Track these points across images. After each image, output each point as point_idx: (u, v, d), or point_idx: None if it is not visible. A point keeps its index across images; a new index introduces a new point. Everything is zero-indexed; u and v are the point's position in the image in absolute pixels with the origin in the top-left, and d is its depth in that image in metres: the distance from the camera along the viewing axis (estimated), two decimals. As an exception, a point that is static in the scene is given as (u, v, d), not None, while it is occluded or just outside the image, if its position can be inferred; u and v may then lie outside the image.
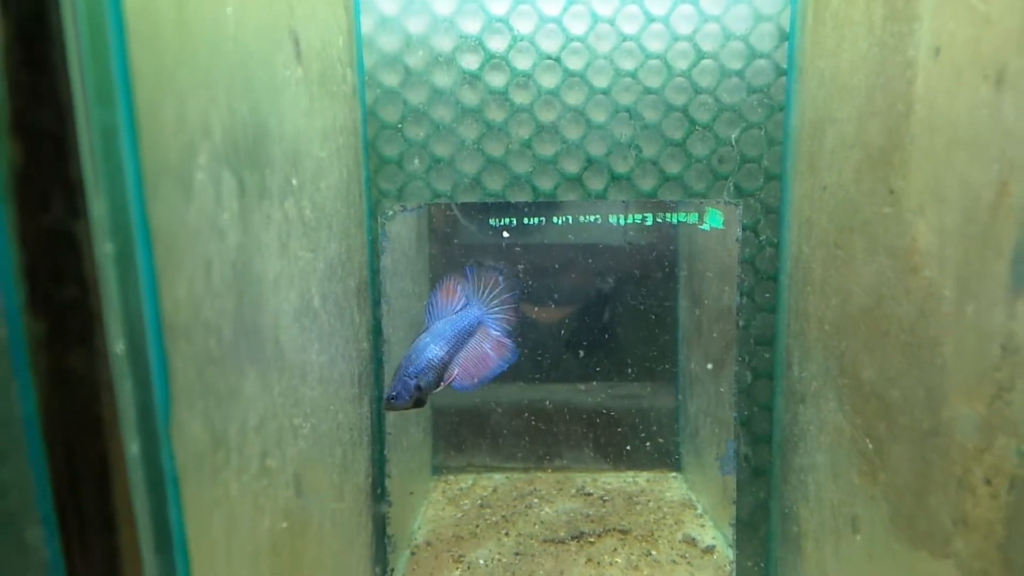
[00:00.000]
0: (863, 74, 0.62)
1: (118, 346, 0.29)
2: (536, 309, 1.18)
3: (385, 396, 0.69)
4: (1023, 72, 0.43)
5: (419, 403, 0.73)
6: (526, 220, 0.84)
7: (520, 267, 1.10)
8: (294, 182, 0.51)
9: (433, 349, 0.74)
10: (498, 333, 0.81)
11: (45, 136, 0.25)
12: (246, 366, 0.40)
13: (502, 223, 0.84)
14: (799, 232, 0.78)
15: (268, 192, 0.45)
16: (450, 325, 0.78)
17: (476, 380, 0.79)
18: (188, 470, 0.33)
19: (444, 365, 0.75)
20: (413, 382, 0.71)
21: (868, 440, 0.61)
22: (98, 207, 0.28)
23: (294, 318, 0.50)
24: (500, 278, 0.82)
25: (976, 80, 0.47)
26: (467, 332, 0.79)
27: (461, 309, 0.80)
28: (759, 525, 0.93)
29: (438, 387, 0.75)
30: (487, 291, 0.82)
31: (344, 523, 0.64)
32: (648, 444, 1.31)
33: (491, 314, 0.82)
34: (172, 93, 0.32)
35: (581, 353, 1.29)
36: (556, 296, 1.20)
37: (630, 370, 1.29)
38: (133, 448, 0.31)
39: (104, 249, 0.28)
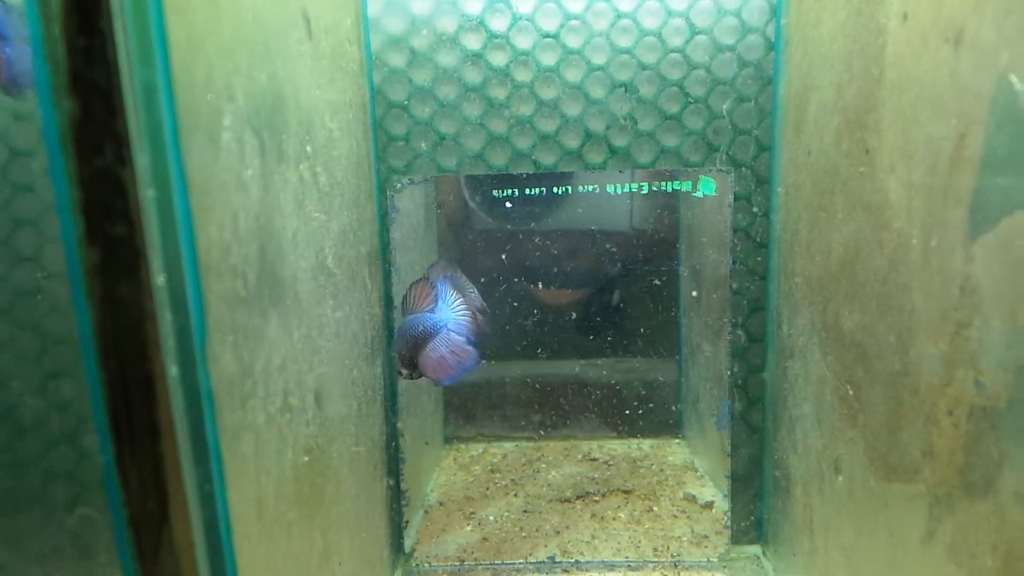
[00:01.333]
0: (841, 42, 0.65)
1: (159, 279, 0.34)
2: (541, 288, 1.22)
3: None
4: (979, 33, 0.46)
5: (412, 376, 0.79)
6: (528, 191, 0.88)
7: (505, 257, 1.14)
8: (308, 149, 0.55)
9: (398, 343, 0.78)
10: (461, 339, 0.83)
11: (98, 92, 0.30)
12: (269, 310, 0.45)
13: (504, 194, 0.88)
14: (787, 196, 0.81)
15: (285, 155, 0.49)
16: (415, 323, 0.81)
17: (432, 379, 0.81)
18: (221, 394, 0.38)
19: (409, 356, 0.79)
20: (394, 359, 0.77)
21: (848, 386, 0.65)
22: (142, 157, 0.32)
23: (311, 274, 0.55)
24: (467, 287, 0.86)
25: (938, 42, 0.50)
26: (428, 332, 0.82)
27: (429, 309, 0.83)
28: (753, 478, 0.97)
29: (406, 374, 0.79)
30: (454, 298, 0.85)
31: (361, 470, 0.69)
32: (651, 412, 1.35)
33: (456, 319, 0.84)
34: (202, 58, 0.36)
35: (589, 325, 1.33)
36: (562, 271, 1.24)
37: (635, 341, 1.34)
38: (173, 369, 0.35)
39: (147, 193, 0.33)
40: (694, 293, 1.18)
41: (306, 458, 0.50)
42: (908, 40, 0.54)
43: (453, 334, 0.83)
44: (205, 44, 0.37)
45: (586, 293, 1.28)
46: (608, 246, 1.23)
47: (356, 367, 0.68)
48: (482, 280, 1.23)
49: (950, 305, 0.49)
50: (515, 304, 1.26)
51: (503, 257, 1.19)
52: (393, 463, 0.88)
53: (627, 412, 1.36)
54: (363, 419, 0.71)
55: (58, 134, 0.30)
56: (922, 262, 0.53)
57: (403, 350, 0.79)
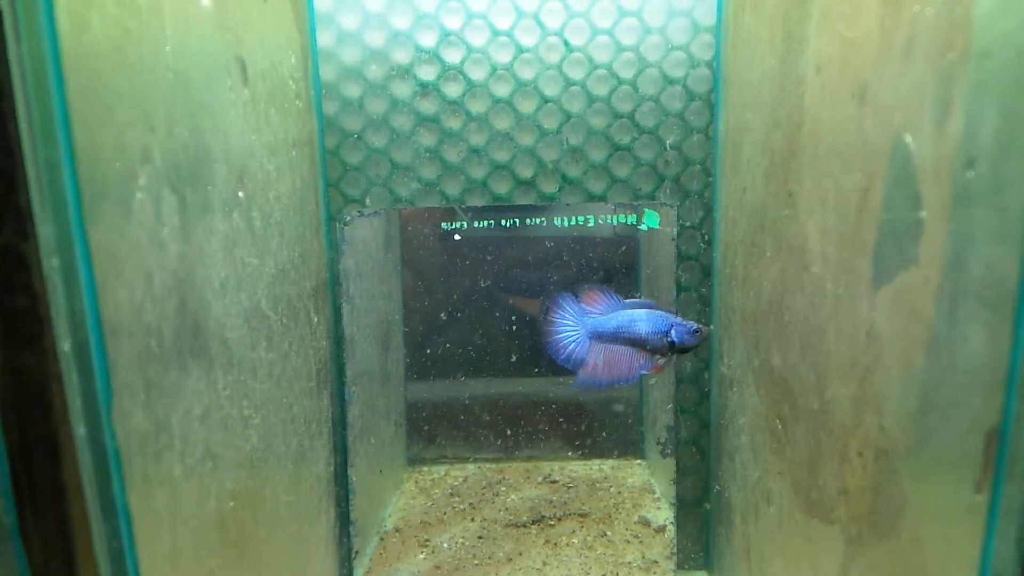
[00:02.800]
0: (769, 88, 0.67)
1: (65, 345, 0.35)
2: (512, 300, 1.24)
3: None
4: (880, 90, 0.48)
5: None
6: (476, 223, 0.89)
7: (490, 264, 1.16)
8: (240, 195, 0.56)
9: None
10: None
11: (-5, 172, 0.31)
12: (189, 363, 0.46)
13: (453, 227, 0.90)
14: (726, 231, 0.83)
15: (211, 206, 0.50)
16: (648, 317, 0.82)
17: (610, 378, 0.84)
18: (131, 451, 0.39)
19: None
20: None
21: (777, 421, 0.67)
22: (45, 229, 0.33)
23: (243, 319, 0.55)
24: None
25: (846, 97, 0.52)
26: (654, 333, 0.83)
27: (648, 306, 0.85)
28: (701, 504, 0.99)
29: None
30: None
31: (302, 506, 0.70)
32: (613, 433, 1.37)
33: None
34: (111, 127, 0.37)
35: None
36: (524, 291, 1.26)
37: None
38: (80, 430, 0.36)
39: (51, 263, 0.33)
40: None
41: (232, 504, 0.51)
42: (822, 92, 0.56)
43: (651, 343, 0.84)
44: (115, 113, 0.38)
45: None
46: (571, 264, 1.25)
47: (296, 404, 0.69)
48: (453, 297, 1.24)
49: (858, 350, 0.51)
50: (478, 322, 1.27)
51: (466, 274, 1.20)
52: (342, 495, 0.88)
53: (590, 433, 1.37)
54: (305, 455, 0.72)
55: (-47, 213, 0.31)
56: (835, 306, 0.55)
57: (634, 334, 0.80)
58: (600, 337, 0.86)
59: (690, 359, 0.97)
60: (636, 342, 0.82)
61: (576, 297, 0.86)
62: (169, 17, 0.45)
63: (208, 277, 0.49)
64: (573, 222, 0.88)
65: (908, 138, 0.45)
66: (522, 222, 0.89)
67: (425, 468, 1.35)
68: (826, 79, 0.56)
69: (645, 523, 1.05)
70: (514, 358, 1.34)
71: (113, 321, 0.37)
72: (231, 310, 0.53)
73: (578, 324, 0.86)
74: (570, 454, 1.37)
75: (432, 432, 1.39)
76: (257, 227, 0.59)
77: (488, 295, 1.23)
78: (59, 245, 0.34)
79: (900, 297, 0.46)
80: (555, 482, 1.26)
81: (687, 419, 0.98)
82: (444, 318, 1.30)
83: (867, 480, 0.51)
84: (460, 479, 1.30)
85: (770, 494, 0.68)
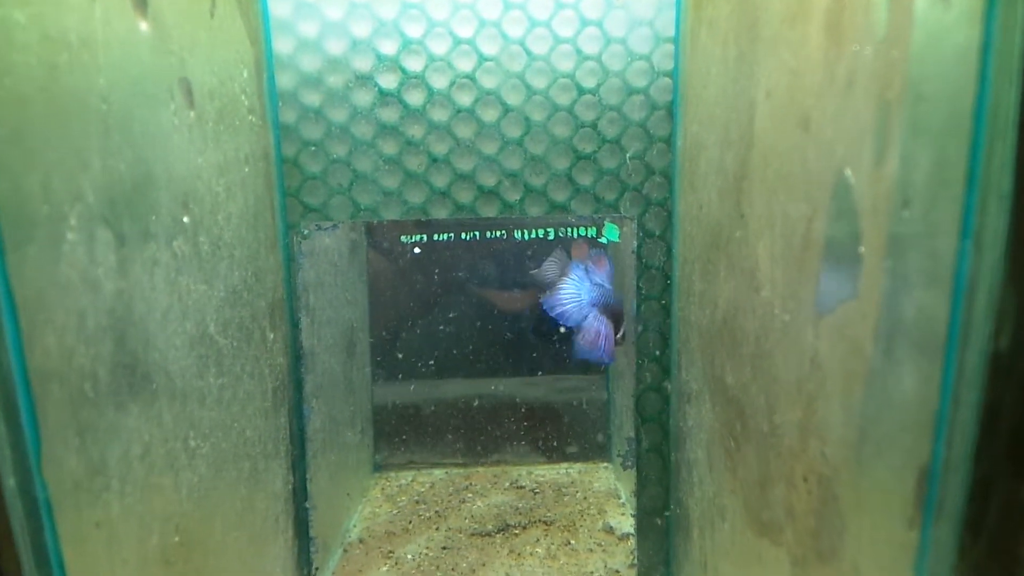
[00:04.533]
0: (723, 107, 0.67)
1: (-11, 397, 0.34)
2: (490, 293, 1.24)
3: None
4: (823, 122, 0.49)
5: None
6: (436, 236, 0.89)
7: (462, 273, 1.15)
8: (185, 220, 0.55)
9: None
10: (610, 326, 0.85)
11: (-96, 229, 0.30)
12: (127, 402, 0.45)
13: (413, 239, 0.89)
14: (684, 246, 0.84)
15: (152, 236, 0.49)
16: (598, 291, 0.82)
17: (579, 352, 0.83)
18: (64, 497, 0.38)
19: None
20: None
21: (731, 439, 0.67)
22: (-38, 280, 0.32)
23: (188, 348, 0.55)
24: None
25: (792, 125, 0.53)
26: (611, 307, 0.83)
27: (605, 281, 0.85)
28: (662, 513, 0.99)
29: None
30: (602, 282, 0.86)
31: (257, 529, 0.69)
32: (581, 437, 1.38)
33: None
34: (37, 171, 0.36)
35: (519, 349, 1.35)
36: (494, 294, 1.26)
37: (565, 365, 1.36)
38: (10, 481, 0.35)
39: (-30, 315, 0.33)
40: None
41: (177, 538, 0.50)
42: (771, 117, 0.57)
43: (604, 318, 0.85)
44: (42, 155, 0.37)
45: (523, 306, 1.30)
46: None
47: (250, 427, 0.68)
48: (420, 299, 1.24)
49: (804, 376, 0.52)
50: (449, 325, 1.27)
51: (435, 279, 1.20)
52: (301, 511, 0.88)
53: (557, 437, 1.38)
54: (259, 476, 0.71)
55: None
56: (783, 331, 0.55)
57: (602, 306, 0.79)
58: (604, 306, 0.86)
59: (651, 369, 0.97)
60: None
61: (573, 258, 0.86)
62: (102, 47, 0.44)
63: (149, 310, 0.48)
64: (534, 235, 0.88)
65: (848, 172, 0.46)
66: (483, 235, 0.89)
67: (392, 474, 1.35)
68: (774, 105, 0.56)
69: (609, 530, 1.06)
70: (483, 361, 1.34)
71: (42, 368, 0.36)
72: (175, 340, 0.52)
73: (582, 289, 0.86)
74: (538, 459, 1.37)
75: (399, 438, 1.39)
76: (204, 251, 0.59)
77: (456, 297, 1.23)
78: (-21, 296, 0.33)
79: (841, 329, 0.47)
80: (522, 487, 1.26)
81: (649, 427, 0.99)
82: (411, 321, 1.30)
83: (811, 505, 0.52)
84: (427, 485, 1.29)
85: (724, 510, 0.69)
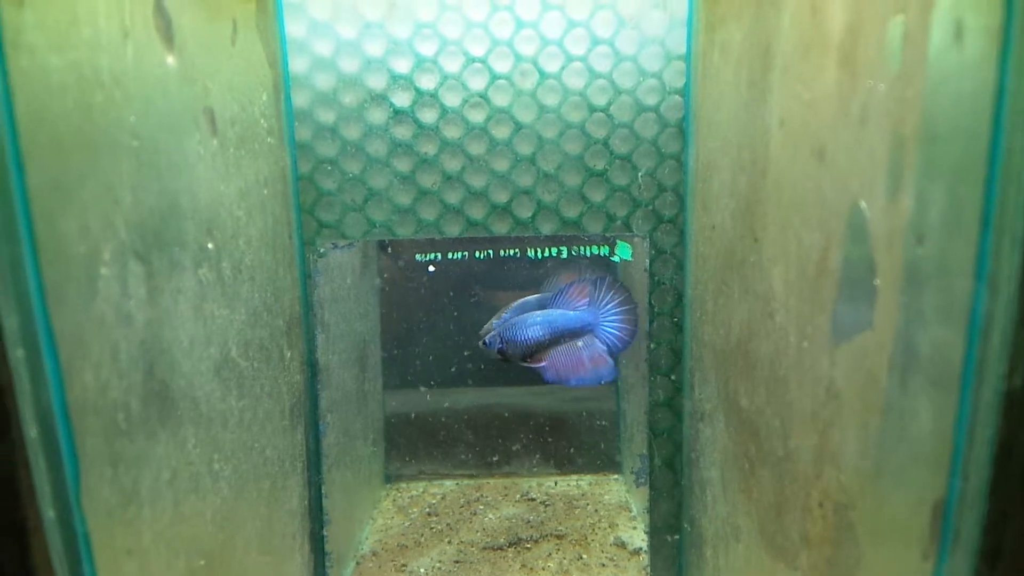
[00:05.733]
0: (735, 130, 0.68)
1: (32, 432, 0.35)
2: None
3: (482, 340, 0.76)
4: (837, 153, 0.50)
5: (504, 360, 0.81)
6: (450, 255, 0.90)
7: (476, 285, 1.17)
8: (210, 246, 0.56)
9: (535, 331, 0.80)
10: (603, 348, 0.85)
11: (-46, 276, 0.31)
12: (157, 430, 0.46)
13: (427, 258, 0.90)
14: (696, 265, 0.85)
15: (179, 266, 0.50)
16: (563, 319, 0.83)
17: (559, 377, 0.84)
18: (100, 527, 0.39)
19: (538, 347, 0.81)
20: (500, 346, 0.78)
21: (746, 460, 0.68)
22: (9, 322, 0.33)
23: (213, 373, 0.56)
24: (626, 295, 0.87)
25: (806, 154, 0.53)
26: (574, 331, 0.84)
27: (581, 309, 0.85)
28: (675, 529, 1.00)
29: (523, 361, 0.81)
30: (608, 302, 0.86)
31: (275, 549, 0.70)
32: (592, 449, 1.38)
33: (606, 325, 0.87)
34: (73, 210, 0.38)
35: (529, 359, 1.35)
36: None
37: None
38: (49, 514, 0.36)
39: (16, 354, 0.34)
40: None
41: (202, 561, 0.52)
42: (784, 144, 0.57)
43: (598, 341, 0.85)
44: (78, 195, 0.38)
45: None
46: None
47: (269, 446, 0.69)
48: (431, 311, 1.25)
49: (819, 404, 0.53)
50: (458, 336, 1.28)
51: (445, 292, 1.21)
52: (316, 527, 0.89)
53: (568, 448, 1.39)
54: (278, 495, 0.72)
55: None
56: (797, 357, 0.56)
57: (539, 338, 0.80)
58: (576, 331, 0.87)
59: (663, 385, 0.98)
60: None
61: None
62: (133, 83, 0.45)
63: (176, 338, 0.49)
64: (547, 254, 0.89)
65: (863, 204, 0.46)
66: (496, 254, 0.90)
67: (403, 485, 1.35)
68: (788, 133, 0.57)
69: (621, 545, 1.06)
70: (489, 371, 1.35)
71: (79, 402, 0.37)
72: (200, 366, 0.53)
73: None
74: (548, 470, 1.38)
75: (410, 449, 1.40)
76: (227, 277, 0.60)
77: (465, 308, 1.24)
78: (23, 336, 0.34)
79: (858, 359, 0.47)
80: (533, 500, 1.27)
81: (661, 443, 1.00)
82: (420, 333, 1.31)
83: (827, 531, 0.52)
84: (438, 496, 1.30)
85: (739, 531, 0.70)
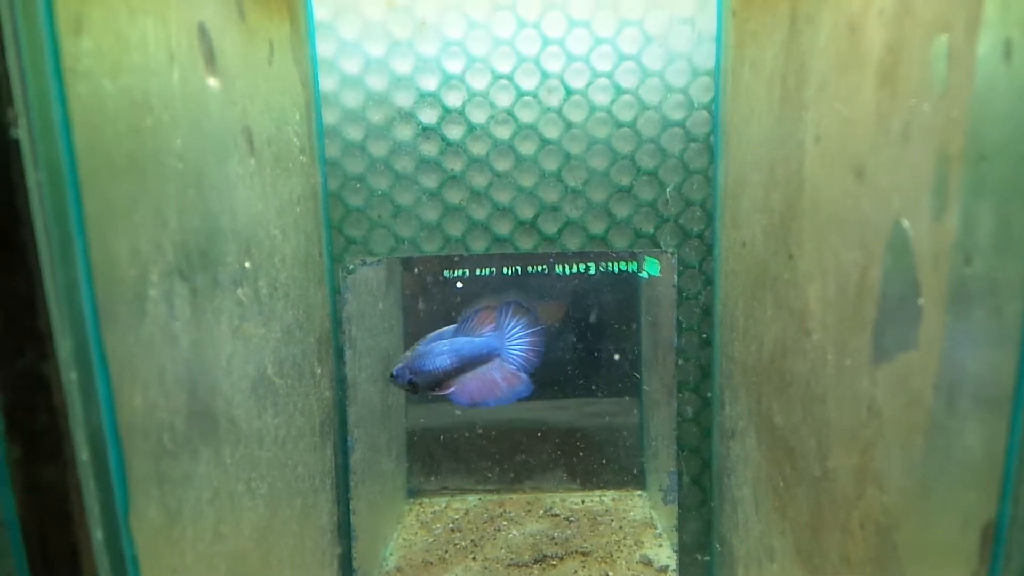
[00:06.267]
0: (767, 147, 0.68)
1: (83, 455, 0.35)
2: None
3: (391, 371, 0.77)
4: (877, 171, 0.49)
5: (414, 391, 0.82)
6: (478, 271, 0.90)
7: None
8: (247, 266, 0.57)
9: (443, 360, 0.81)
10: (513, 367, 0.87)
11: (18, 300, 0.31)
12: (200, 448, 0.46)
13: (455, 274, 0.90)
14: (726, 281, 0.84)
15: (220, 285, 0.51)
16: (469, 345, 0.85)
17: (474, 401, 0.84)
18: (146, 548, 0.39)
19: (445, 376, 0.82)
20: (410, 377, 0.79)
21: (780, 479, 0.67)
22: (64, 346, 0.34)
23: (250, 391, 0.56)
24: (529, 317, 0.89)
25: (844, 171, 0.53)
26: (482, 357, 0.85)
27: (487, 334, 0.87)
28: (704, 547, 0.99)
29: (432, 391, 0.82)
30: (513, 326, 0.88)
31: (306, 566, 0.70)
32: (614, 464, 1.38)
33: (511, 348, 0.88)
34: (125, 235, 0.38)
35: (551, 374, 1.35)
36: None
37: (599, 391, 1.36)
38: (98, 535, 0.37)
39: (70, 377, 0.34)
40: (652, 345, 1.21)
41: (242, 580, 0.52)
42: (821, 162, 0.57)
43: (507, 362, 0.86)
44: (129, 218, 0.39)
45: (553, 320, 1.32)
46: (573, 294, 1.26)
47: (301, 463, 0.69)
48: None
49: (859, 423, 0.52)
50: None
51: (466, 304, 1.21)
52: (344, 543, 0.89)
53: (591, 464, 1.38)
54: (309, 511, 0.72)
55: (-25, 342, 0.31)
56: (836, 376, 0.55)
57: (447, 367, 0.81)
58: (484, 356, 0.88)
59: (691, 401, 0.98)
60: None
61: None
62: (179, 106, 0.46)
63: (217, 357, 0.50)
64: (575, 270, 0.89)
65: (906, 223, 0.46)
66: (523, 270, 0.90)
67: (426, 500, 1.35)
68: (825, 150, 0.56)
69: (647, 562, 1.06)
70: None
71: (128, 424, 0.38)
72: (238, 384, 0.54)
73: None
74: (571, 486, 1.37)
75: (432, 463, 1.40)
76: (263, 295, 0.60)
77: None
78: (77, 359, 0.34)
79: (901, 378, 0.47)
80: (556, 516, 1.26)
81: (689, 460, 0.99)
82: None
83: (869, 552, 0.52)
84: (461, 512, 1.30)
85: (772, 551, 0.69)
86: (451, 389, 0.84)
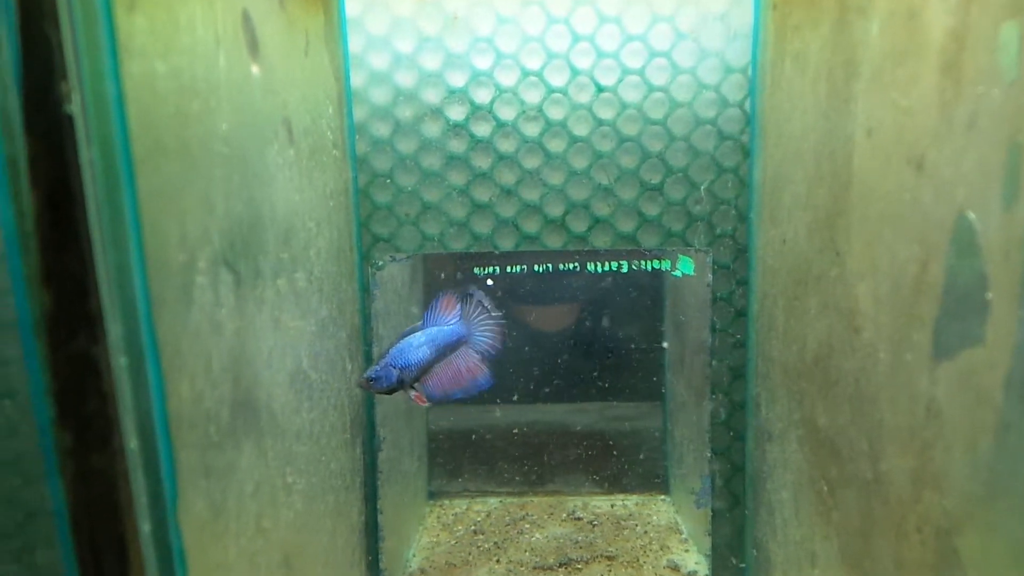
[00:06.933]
0: (811, 141, 0.67)
1: (132, 443, 0.34)
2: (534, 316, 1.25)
3: (365, 375, 0.74)
4: (939, 163, 0.48)
5: (391, 392, 0.79)
6: (508, 269, 0.89)
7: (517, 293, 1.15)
8: (285, 257, 0.56)
9: (425, 351, 0.79)
10: (477, 356, 0.84)
11: (70, 280, 0.30)
12: (242, 441, 0.45)
13: (486, 272, 0.89)
14: (764, 280, 0.83)
15: (262, 275, 0.50)
16: (442, 334, 0.82)
17: (443, 393, 0.82)
18: (193, 541, 0.38)
19: (427, 367, 0.80)
20: (396, 373, 0.77)
21: (824, 482, 0.65)
22: (114, 330, 0.33)
23: (288, 385, 0.55)
24: (488, 304, 0.86)
25: (901, 164, 0.52)
26: (452, 345, 0.83)
27: (454, 323, 0.84)
28: (736, 551, 0.97)
29: (412, 386, 0.80)
30: (476, 313, 0.86)
31: (337, 564, 0.69)
32: (637, 467, 1.36)
33: (478, 334, 0.86)
34: (175, 218, 0.37)
35: (572, 377, 1.34)
36: (550, 318, 1.26)
37: (621, 394, 1.35)
38: (145, 527, 0.36)
39: (119, 363, 0.33)
40: (678, 347, 1.19)
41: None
42: (873, 155, 0.56)
43: (472, 350, 0.84)
44: (179, 202, 0.38)
45: (572, 337, 1.30)
46: (594, 295, 1.25)
47: (334, 460, 0.68)
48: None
49: (917, 424, 0.50)
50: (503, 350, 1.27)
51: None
52: (372, 543, 0.88)
53: (613, 467, 1.37)
54: (341, 509, 0.71)
55: (32, 323, 0.30)
56: (890, 376, 0.54)
57: (429, 357, 0.79)
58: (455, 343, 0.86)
59: (722, 403, 0.96)
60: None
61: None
62: (224, 92, 0.45)
63: (258, 349, 0.49)
64: (607, 268, 0.88)
65: (972, 215, 0.45)
66: (554, 268, 0.89)
67: (446, 502, 1.34)
68: (878, 143, 0.55)
69: (674, 568, 1.04)
70: (533, 387, 1.33)
71: (176, 413, 0.37)
72: (277, 377, 0.53)
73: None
74: (593, 489, 1.36)
75: (453, 465, 1.39)
76: (300, 288, 0.59)
77: (514, 322, 1.23)
78: (127, 344, 0.33)
79: (964, 376, 0.45)
80: (579, 519, 1.25)
81: (719, 462, 0.97)
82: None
83: (926, 557, 0.50)
84: (483, 514, 1.28)
85: (815, 556, 0.67)
86: (428, 382, 0.81)
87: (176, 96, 0.38)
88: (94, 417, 0.32)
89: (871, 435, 0.57)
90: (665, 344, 1.26)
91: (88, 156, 0.31)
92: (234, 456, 0.44)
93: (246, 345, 0.46)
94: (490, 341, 0.85)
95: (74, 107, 0.31)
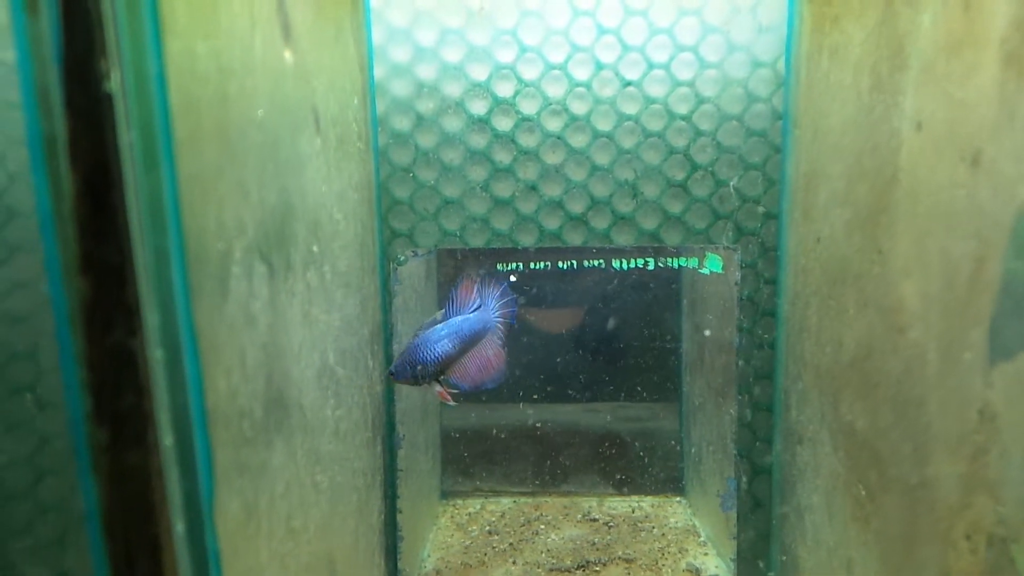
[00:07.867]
0: (852, 137, 0.65)
1: (167, 440, 0.33)
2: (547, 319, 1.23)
3: (389, 370, 0.72)
4: (999, 158, 0.46)
5: (415, 383, 0.76)
6: (532, 265, 0.87)
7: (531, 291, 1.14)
8: (315, 249, 0.54)
9: (447, 345, 0.76)
10: (500, 343, 0.82)
11: (108, 269, 0.29)
12: (274, 438, 0.44)
13: (509, 268, 0.87)
14: (795, 279, 0.81)
15: (293, 267, 0.48)
16: (467, 324, 0.79)
17: (476, 384, 0.79)
18: (227, 543, 0.37)
19: (449, 361, 0.77)
20: (412, 372, 0.74)
21: (861, 487, 0.64)
22: (152, 318, 0.31)
23: (315, 380, 0.53)
24: (506, 288, 0.84)
25: (954, 159, 0.50)
26: (478, 334, 0.80)
27: (476, 310, 0.81)
28: (760, 557, 0.95)
29: (437, 380, 0.76)
30: (496, 299, 0.83)
31: (359, 565, 0.68)
32: (653, 468, 1.34)
33: (497, 320, 0.84)
34: (213, 205, 0.36)
35: (586, 376, 1.33)
36: (564, 317, 1.25)
37: (636, 394, 1.33)
38: (179, 527, 0.34)
39: (156, 355, 0.31)
40: (696, 347, 1.17)
41: (308, 579, 0.49)
42: (922, 150, 0.54)
43: (495, 338, 0.82)
44: (217, 187, 0.36)
45: (586, 336, 1.28)
46: (608, 293, 1.24)
47: (357, 458, 0.67)
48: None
49: (968, 428, 0.49)
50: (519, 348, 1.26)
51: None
52: (390, 543, 0.86)
53: (628, 467, 1.35)
54: (363, 508, 0.70)
55: (67, 313, 0.29)
56: (939, 377, 0.52)
57: (450, 351, 0.76)
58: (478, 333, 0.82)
59: (748, 404, 0.94)
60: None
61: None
62: (259, 76, 0.43)
63: (289, 343, 0.47)
64: (633, 265, 0.86)
65: (1036, 212, 0.43)
66: (579, 264, 0.87)
67: (459, 501, 1.32)
68: (928, 137, 0.53)
69: (694, 571, 1.02)
70: (547, 386, 1.32)
71: (213, 409, 0.35)
72: (306, 373, 0.51)
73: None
74: (607, 490, 1.34)
75: (466, 464, 1.37)
76: (328, 281, 0.58)
77: (528, 321, 1.22)
78: (164, 336, 0.32)
79: (1022, 378, 0.43)
80: (595, 520, 1.23)
81: (744, 465, 0.96)
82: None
83: (976, 565, 0.48)
84: (497, 514, 1.27)
85: (851, 563, 0.65)
86: (455, 376, 0.78)
87: (215, 78, 0.37)
88: (130, 413, 0.31)
89: (916, 439, 0.55)
90: (682, 344, 1.24)
91: (128, 138, 0.30)
92: (266, 454, 0.42)
93: (278, 339, 0.45)
94: (505, 328, 0.82)
95: (113, 85, 0.29)
